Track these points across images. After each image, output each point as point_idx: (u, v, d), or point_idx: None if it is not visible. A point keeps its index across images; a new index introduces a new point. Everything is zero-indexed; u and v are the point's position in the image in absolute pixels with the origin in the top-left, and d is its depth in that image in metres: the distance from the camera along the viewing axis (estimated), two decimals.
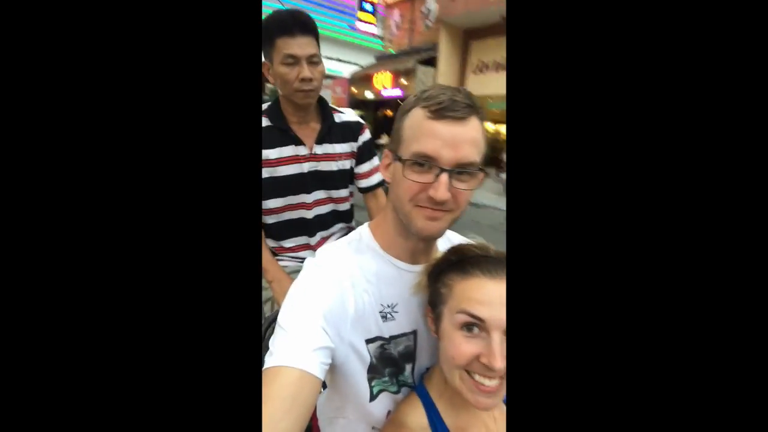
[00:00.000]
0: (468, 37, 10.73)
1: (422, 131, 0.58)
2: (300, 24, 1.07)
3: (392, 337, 0.67)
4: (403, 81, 11.68)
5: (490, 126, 10.54)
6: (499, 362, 0.52)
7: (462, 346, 0.55)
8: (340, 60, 12.64)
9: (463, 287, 0.57)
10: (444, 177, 0.57)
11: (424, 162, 0.58)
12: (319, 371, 0.54)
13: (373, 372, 0.67)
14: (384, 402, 0.69)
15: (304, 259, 0.74)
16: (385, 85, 12.09)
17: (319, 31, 1.14)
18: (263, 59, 1.15)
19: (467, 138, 0.57)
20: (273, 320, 1.05)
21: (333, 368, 0.65)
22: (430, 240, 0.67)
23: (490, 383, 0.55)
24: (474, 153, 0.58)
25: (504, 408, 0.68)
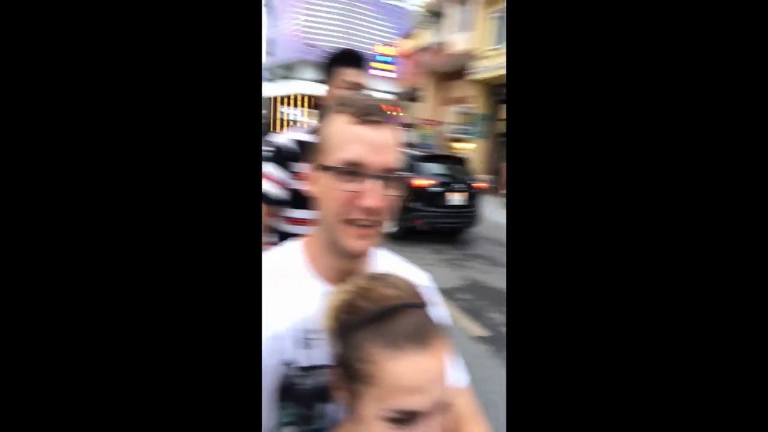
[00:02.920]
0: (439, 79, 15.24)
1: (348, 137, 0.55)
2: (361, 60, 1.38)
3: (310, 368, 0.59)
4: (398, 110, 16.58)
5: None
6: None
7: None
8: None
9: (393, 372, 0.45)
10: (376, 183, 0.54)
11: (353, 169, 0.54)
12: None
13: (281, 398, 0.60)
14: None
15: None
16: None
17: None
18: (327, 86, 1.39)
19: (390, 143, 0.56)
20: None
21: None
22: (358, 257, 0.60)
23: None
24: (396, 159, 0.56)
25: None
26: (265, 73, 34.84)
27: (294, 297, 0.60)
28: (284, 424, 0.60)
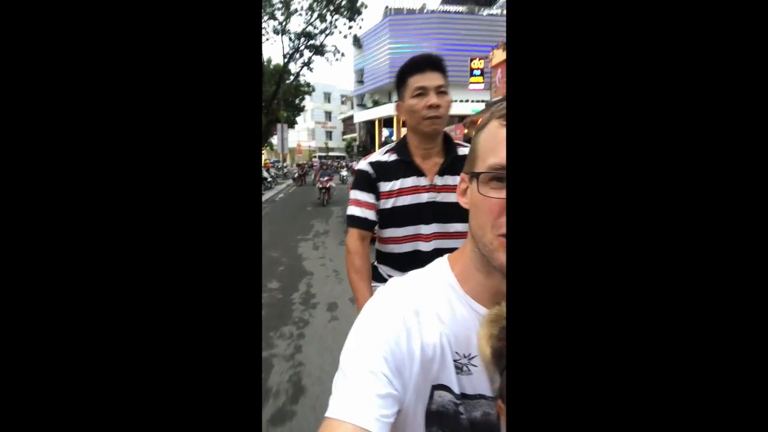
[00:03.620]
0: None
1: (498, 140, 0.50)
2: (429, 62, 1.30)
3: (464, 396, 0.55)
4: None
5: None
6: None
7: None
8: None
9: None
10: None
11: (503, 175, 0.49)
12: (377, 426, 0.47)
13: (433, 422, 0.56)
14: None
15: None
16: None
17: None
18: (397, 101, 1.37)
19: None
20: None
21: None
22: None
23: None
24: None
25: None
26: (356, 100, 37.59)
27: (443, 318, 0.56)
28: None
